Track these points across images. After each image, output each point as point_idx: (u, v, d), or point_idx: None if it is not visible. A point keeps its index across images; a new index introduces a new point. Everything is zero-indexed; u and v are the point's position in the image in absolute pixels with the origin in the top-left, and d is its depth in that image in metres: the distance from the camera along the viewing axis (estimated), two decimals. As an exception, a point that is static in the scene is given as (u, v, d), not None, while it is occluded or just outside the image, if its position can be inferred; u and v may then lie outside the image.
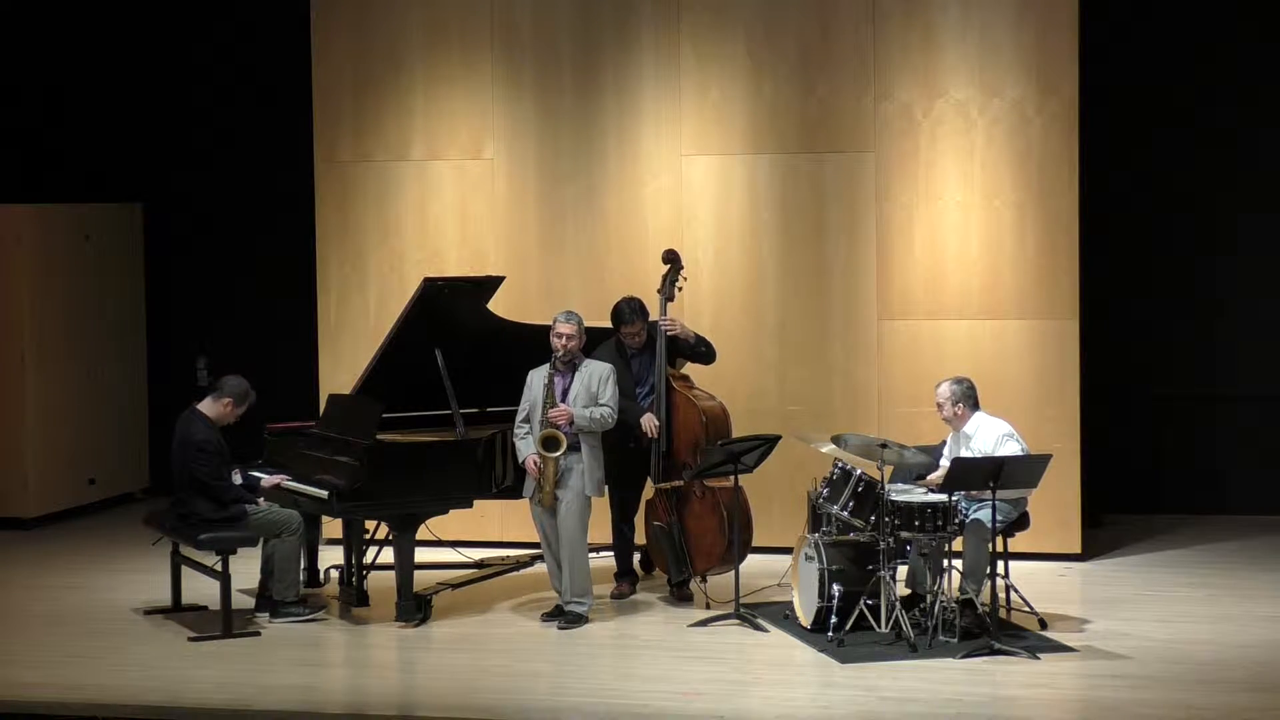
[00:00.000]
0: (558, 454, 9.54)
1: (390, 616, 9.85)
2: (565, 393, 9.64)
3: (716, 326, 11.19)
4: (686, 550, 10.14)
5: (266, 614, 9.89)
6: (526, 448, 9.68)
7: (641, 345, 10.27)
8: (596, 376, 9.69)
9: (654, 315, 10.29)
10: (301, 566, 10.14)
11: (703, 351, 10.40)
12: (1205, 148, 12.40)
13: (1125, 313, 12.43)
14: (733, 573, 9.74)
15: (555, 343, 9.67)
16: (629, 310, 10.23)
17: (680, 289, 10.42)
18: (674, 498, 10.17)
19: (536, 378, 9.73)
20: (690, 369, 10.54)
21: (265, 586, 10.02)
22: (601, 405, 9.64)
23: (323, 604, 10.12)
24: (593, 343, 10.18)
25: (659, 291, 10.34)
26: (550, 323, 9.77)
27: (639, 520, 10.49)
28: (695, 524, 10.12)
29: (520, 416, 9.77)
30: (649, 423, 10.08)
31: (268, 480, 9.98)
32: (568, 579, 9.68)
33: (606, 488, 10.12)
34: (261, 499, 9.91)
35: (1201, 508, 12.46)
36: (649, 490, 10.37)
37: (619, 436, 9.95)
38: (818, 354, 11.40)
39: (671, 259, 10.43)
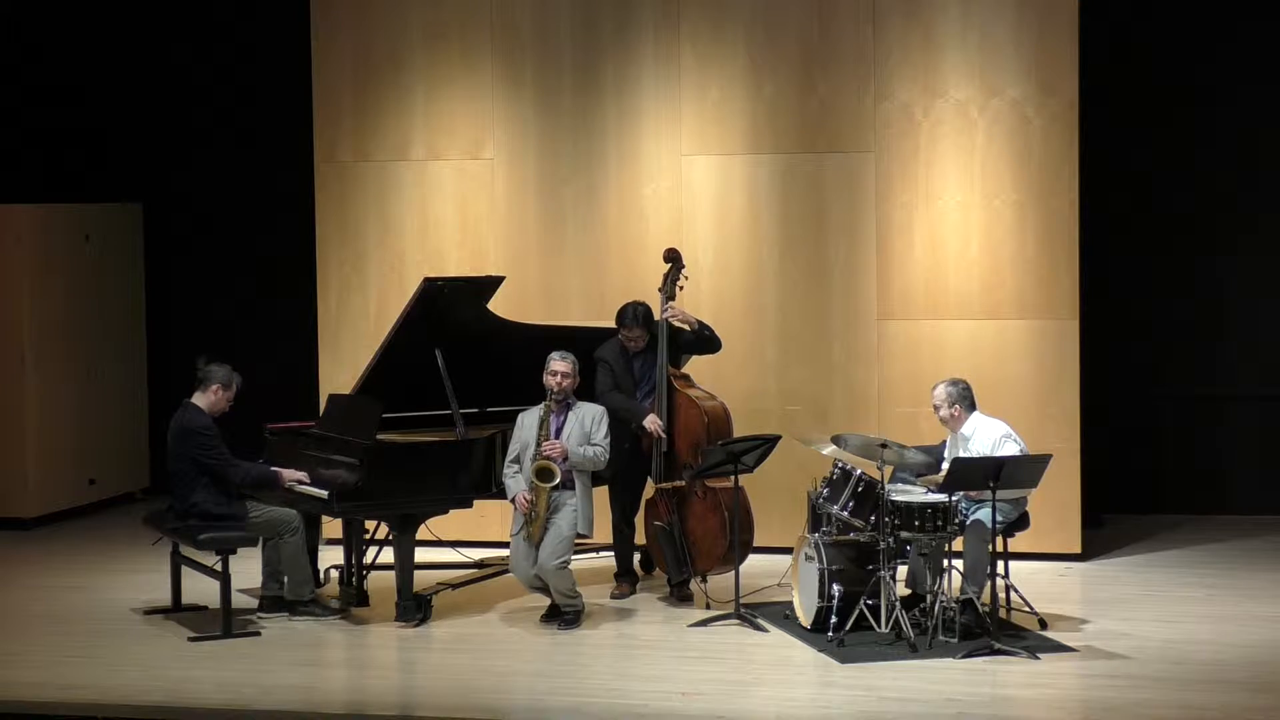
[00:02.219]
0: (551, 484, 9.52)
1: (390, 616, 9.85)
2: (559, 431, 9.62)
3: (716, 326, 11.13)
4: (687, 550, 10.14)
5: (271, 614, 9.90)
6: (516, 486, 9.64)
7: (642, 348, 10.27)
8: (590, 417, 9.69)
9: (655, 313, 10.28)
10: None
11: (707, 336, 10.37)
12: (1205, 148, 12.40)
13: (1125, 313, 12.43)
14: (733, 573, 9.74)
15: (550, 381, 9.64)
16: (630, 316, 10.21)
17: (681, 288, 10.41)
18: (675, 498, 10.17)
19: (528, 418, 9.71)
20: (692, 366, 10.53)
21: (268, 586, 10.02)
22: (594, 445, 9.64)
23: (339, 609, 10.07)
24: (596, 342, 10.18)
25: (660, 290, 10.34)
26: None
27: (639, 520, 10.49)
28: (696, 524, 10.11)
29: (510, 456, 9.73)
30: (654, 424, 10.07)
31: (288, 474, 9.92)
32: (560, 591, 9.63)
33: (605, 489, 10.14)
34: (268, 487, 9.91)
35: (1201, 508, 12.47)
36: (649, 490, 10.37)
37: (617, 435, 9.95)
38: (818, 354, 11.40)
39: (673, 258, 10.42)
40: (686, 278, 10.45)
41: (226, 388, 9.88)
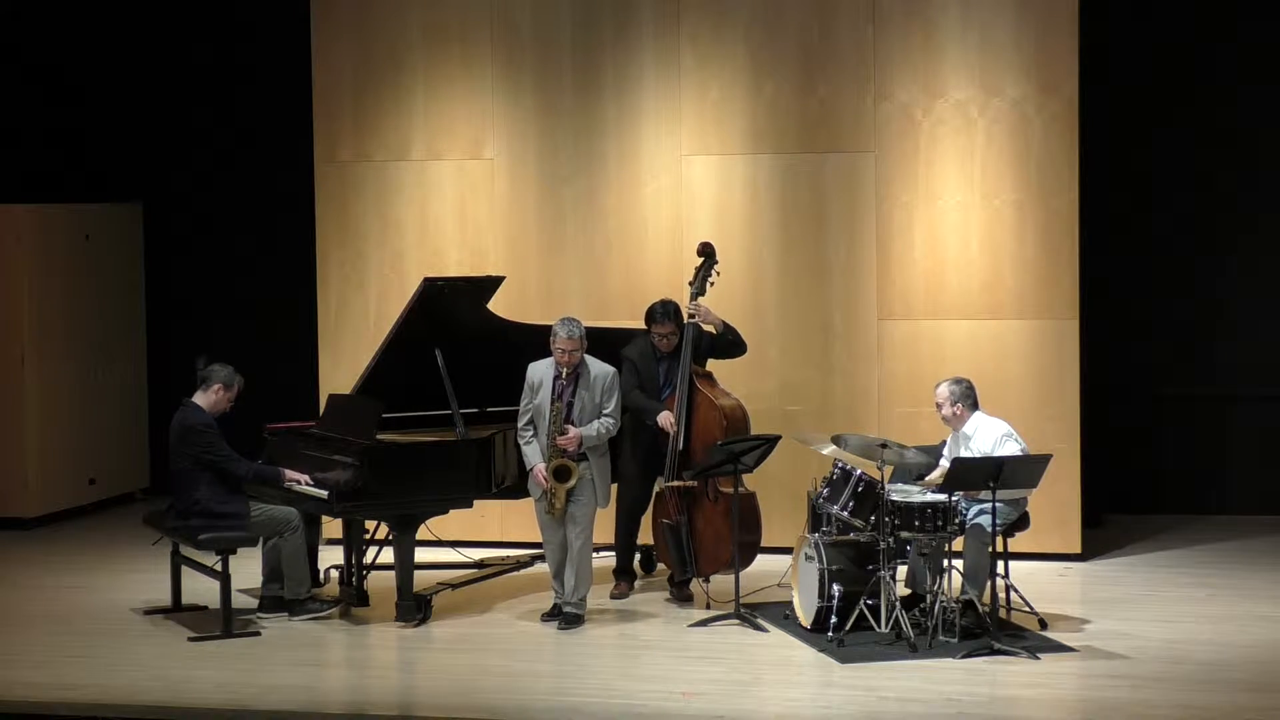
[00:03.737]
0: (570, 484, 9.53)
1: (390, 616, 9.85)
2: (569, 409, 9.58)
3: (716, 326, 11.21)
4: (692, 550, 10.13)
5: (270, 614, 9.90)
6: (534, 454, 9.63)
7: (671, 349, 10.23)
8: (601, 385, 9.65)
9: (684, 307, 10.27)
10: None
11: (731, 340, 10.36)
12: (1205, 148, 12.40)
13: (1125, 313, 12.43)
14: (733, 573, 9.74)
15: (559, 356, 9.59)
16: (661, 311, 10.20)
17: (712, 284, 10.38)
18: (686, 497, 10.16)
19: (537, 376, 9.66)
20: (714, 363, 10.51)
21: (268, 586, 10.03)
22: (604, 417, 9.64)
23: (336, 599, 10.08)
24: (622, 342, 10.17)
25: (690, 284, 10.33)
26: (550, 323, 9.73)
27: (645, 517, 10.47)
28: (705, 526, 10.11)
29: (524, 419, 9.71)
30: (666, 420, 10.07)
31: (290, 474, 9.91)
32: (571, 583, 9.67)
33: (615, 486, 10.13)
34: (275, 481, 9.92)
35: (1201, 508, 12.47)
36: (657, 487, 10.37)
37: (636, 435, 9.97)
38: (818, 354, 11.40)
39: (706, 252, 10.40)
40: (719, 273, 10.43)
41: (228, 388, 9.88)
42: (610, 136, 11.65)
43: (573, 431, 9.54)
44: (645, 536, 10.59)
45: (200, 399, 9.86)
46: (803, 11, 11.35)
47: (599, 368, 9.71)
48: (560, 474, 9.53)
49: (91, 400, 13.27)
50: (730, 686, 8.60)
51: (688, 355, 10.17)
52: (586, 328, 9.80)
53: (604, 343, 10.01)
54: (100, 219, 13.42)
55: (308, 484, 9.80)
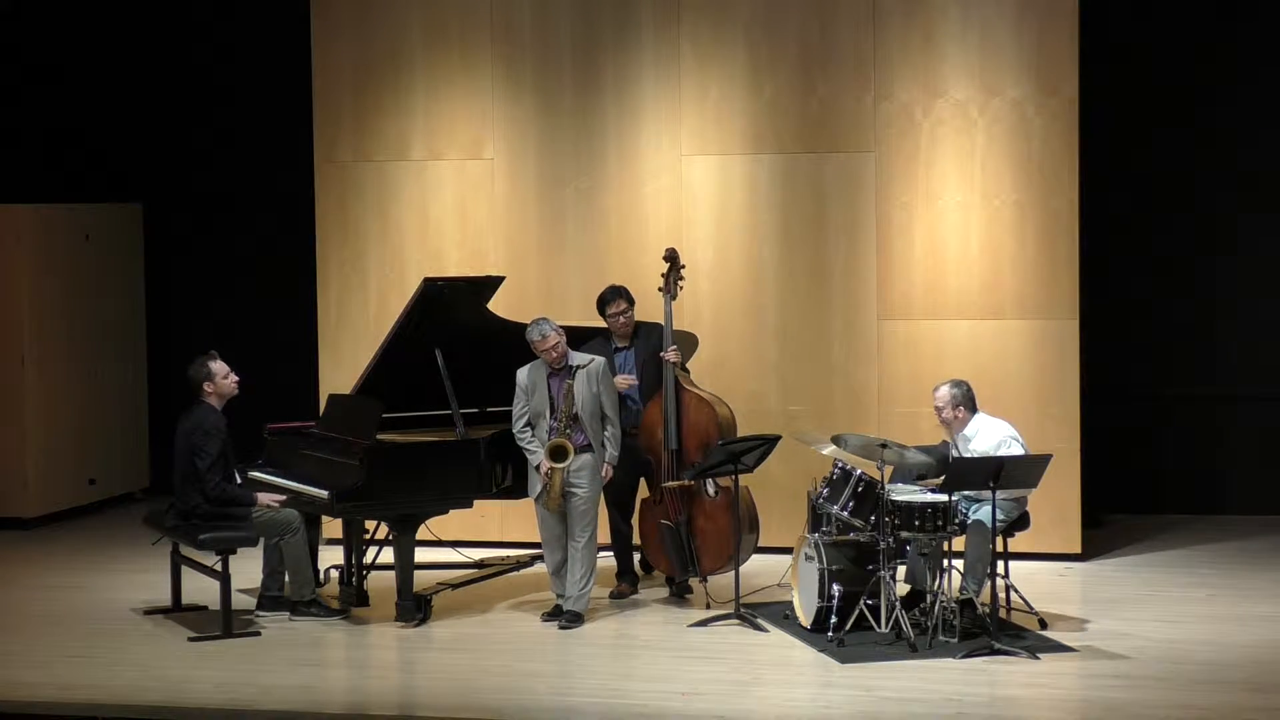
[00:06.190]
0: (565, 464, 9.55)
1: (390, 616, 9.85)
2: (566, 395, 9.64)
3: (716, 326, 11.22)
4: (693, 550, 10.14)
5: (270, 614, 9.90)
6: (537, 456, 9.68)
7: (628, 336, 10.27)
8: (594, 375, 9.71)
9: (659, 316, 10.28)
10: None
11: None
12: (1205, 148, 12.40)
13: (1125, 313, 12.43)
14: (733, 573, 9.74)
15: (549, 357, 9.65)
16: (612, 292, 10.27)
17: (681, 287, 10.42)
18: (683, 497, 10.16)
19: (529, 378, 9.71)
20: (693, 364, 10.52)
21: (267, 587, 10.03)
22: (610, 429, 9.75)
23: (341, 609, 10.05)
24: (580, 340, 10.18)
25: (662, 290, 10.34)
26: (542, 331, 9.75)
27: (635, 520, 10.48)
28: (705, 524, 10.11)
29: (521, 422, 9.75)
30: (623, 380, 10.11)
31: (265, 497, 9.90)
32: (576, 576, 9.68)
33: (602, 490, 10.16)
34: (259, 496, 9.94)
35: (1201, 508, 12.47)
36: (643, 490, 10.38)
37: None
38: (818, 354, 11.41)
39: (671, 258, 10.43)
40: (684, 278, 10.46)
41: (208, 378, 9.85)
42: (610, 136, 11.65)
43: (609, 467, 9.78)
44: (638, 537, 10.58)
45: (209, 398, 9.84)
46: (803, 11, 11.36)
47: (588, 362, 9.78)
48: (557, 454, 9.54)
49: (91, 400, 13.27)
50: (730, 686, 8.61)
51: (670, 375, 10.17)
52: (582, 327, 9.86)
53: (577, 342, 10.04)
54: (100, 219, 13.42)
55: (274, 504, 9.79)
